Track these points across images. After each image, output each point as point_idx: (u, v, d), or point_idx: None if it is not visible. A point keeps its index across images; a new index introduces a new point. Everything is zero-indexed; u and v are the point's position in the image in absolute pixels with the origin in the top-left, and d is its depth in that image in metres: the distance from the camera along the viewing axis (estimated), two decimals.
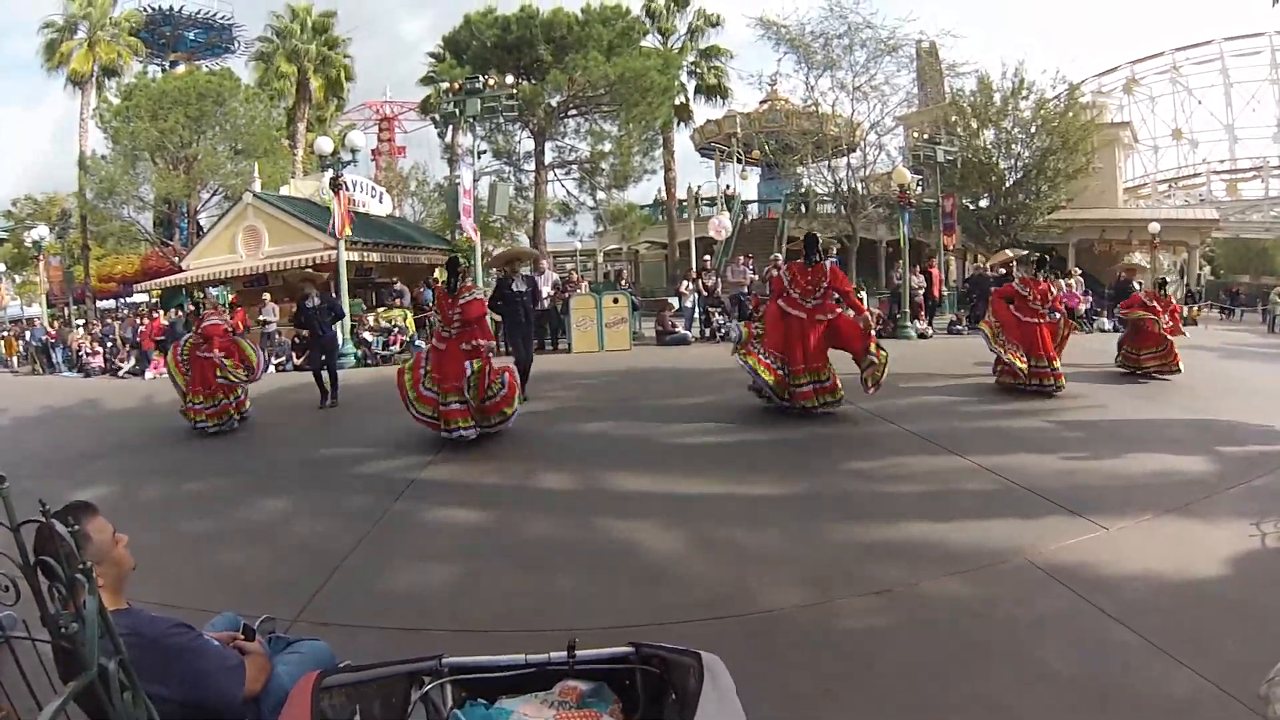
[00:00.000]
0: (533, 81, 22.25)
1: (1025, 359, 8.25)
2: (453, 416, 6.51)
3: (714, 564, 3.93)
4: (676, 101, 26.82)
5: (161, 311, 17.74)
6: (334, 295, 10.17)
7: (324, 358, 9.45)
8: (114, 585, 1.85)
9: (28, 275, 30.05)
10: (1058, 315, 8.71)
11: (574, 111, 23.99)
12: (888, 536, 4.20)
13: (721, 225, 20.74)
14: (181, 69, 27.63)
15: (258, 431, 8.29)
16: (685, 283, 17.01)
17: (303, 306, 9.42)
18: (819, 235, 7.55)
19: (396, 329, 15.25)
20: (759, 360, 7.24)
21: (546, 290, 14.65)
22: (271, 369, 13.97)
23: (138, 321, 17.84)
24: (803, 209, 25.64)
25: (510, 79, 19.03)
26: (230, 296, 16.98)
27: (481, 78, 17.07)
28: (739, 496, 5.06)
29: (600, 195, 25.06)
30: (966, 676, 2.78)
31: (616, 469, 5.80)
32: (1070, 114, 23.47)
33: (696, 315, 16.19)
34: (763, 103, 28.96)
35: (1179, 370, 9.39)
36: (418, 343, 14.85)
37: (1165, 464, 5.46)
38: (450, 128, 23.84)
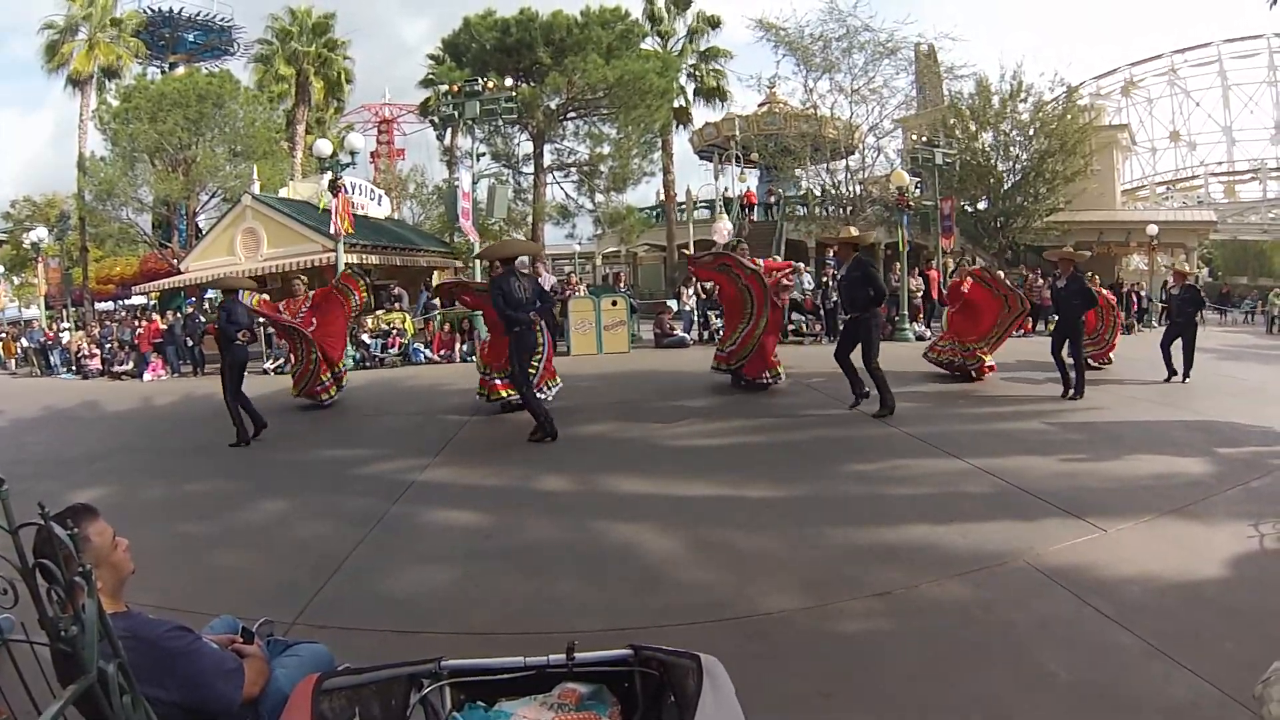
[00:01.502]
0: (532, 84, 22.29)
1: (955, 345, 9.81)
2: (495, 389, 8.16)
3: (713, 566, 3.93)
4: (675, 104, 26.87)
5: (159, 315, 17.70)
6: (238, 303, 7.99)
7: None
8: (113, 589, 1.84)
9: (26, 277, 30.01)
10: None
11: (573, 114, 24.02)
12: (887, 539, 4.20)
13: (724, 229, 20.78)
14: (181, 71, 27.61)
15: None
16: (686, 289, 17.00)
17: None
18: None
19: (394, 331, 15.24)
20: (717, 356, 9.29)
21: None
22: (270, 371, 14.00)
23: (135, 324, 17.83)
24: (800, 210, 25.68)
25: (509, 81, 19.09)
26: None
27: (480, 80, 17.08)
28: (737, 499, 5.06)
29: (599, 198, 25.11)
30: (966, 678, 2.78)
31: (615, 471, 5.80)
32: (1068, 116, 23.51)
33: (695, 318, 16.19)
34: (761, 105, 29.01)
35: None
36: (415, 346, 14.85)
37: (1164, 466, 5.46)
38: (449, 130, 23.90)
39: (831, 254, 8.54)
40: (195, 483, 6.22)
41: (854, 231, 8.56)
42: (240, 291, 8.32)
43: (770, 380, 8.96)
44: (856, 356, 7.68)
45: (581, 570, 3.96)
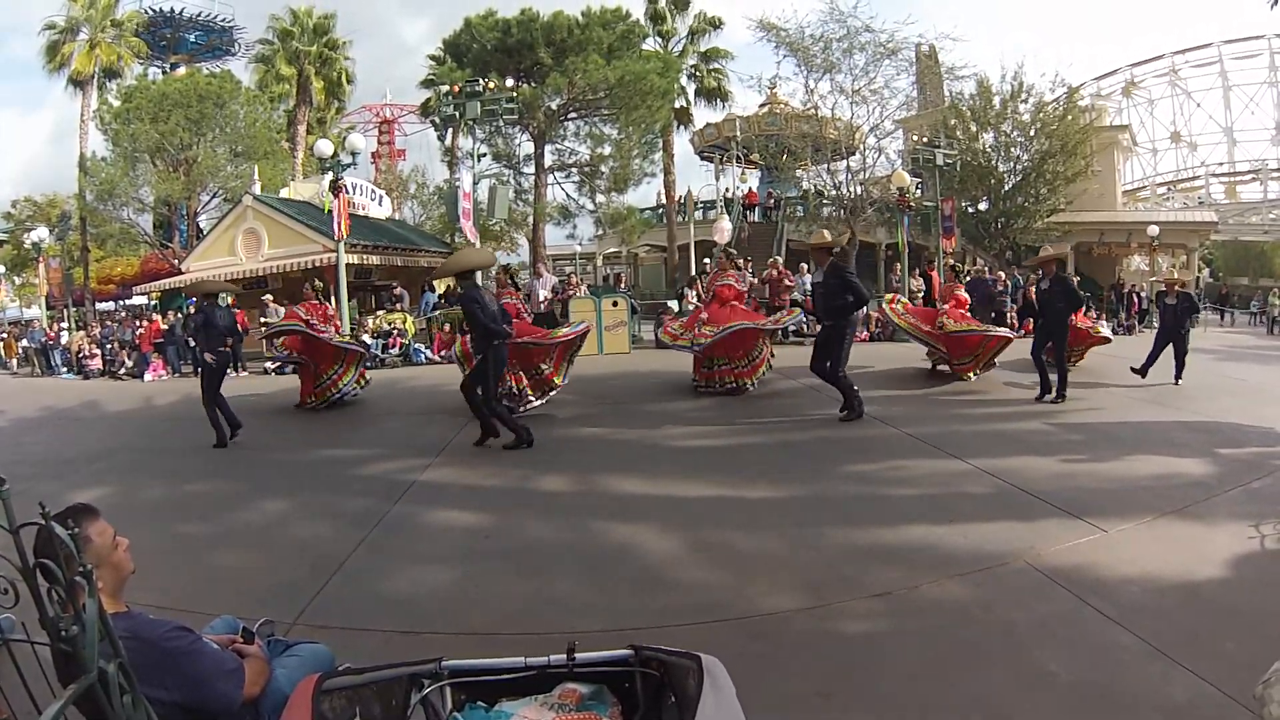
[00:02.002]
0: (532, 84, 22.28)
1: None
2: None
3: (712, 567, 3.93)
4: (676, 105, 26.85)
5: (159, 315, 17.71)
6: (218, 306, 8.11)
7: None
8: (113, 589, 1.85)
9: (27, 277, 30.02)
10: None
11: (574, 114, 24.01)
12: (887, 540, 4.20)
13: (724, 228, 20.76)
14: (182, 71, 27.58)
15: (257, 433, 8.28)
16: (690, 290, 16.98)
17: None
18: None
19: (395, 332, 15.25)
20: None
21: (544, 294, 14.67)
22: (270, 372, 14.00)
23: (135, 324, 17.84)
24: (800, 211, 25.69)
25: (510, 82, 19.06)
26: (229, 299, 16.94)
27: (481, 81, 17.10)
28: (737, 500, 5.06)
29: (600, 198, 25.11)
30: (965, 679, 2.78)
31: (615, 472, 5.80)
32: (1069, 117, 23.50)
33: None
34: (762, 106, 28.99)
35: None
36: (416, 346, 14.86)
37: (1164, 466, 5.46)
38: (450, 130, 23.92)
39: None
40: (195, 483, 6.22)
41: (827, 236, 8.24)
42: (220, 295, 8.26)
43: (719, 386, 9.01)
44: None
45: (582, 570, 3.97)
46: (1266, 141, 41.22)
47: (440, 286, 20.61)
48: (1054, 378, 8.27)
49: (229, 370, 8.25)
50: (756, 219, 28.85)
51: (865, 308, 8.71)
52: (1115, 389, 9.13)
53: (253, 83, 27.86)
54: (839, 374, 7.39)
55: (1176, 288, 10.23)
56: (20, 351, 19.78)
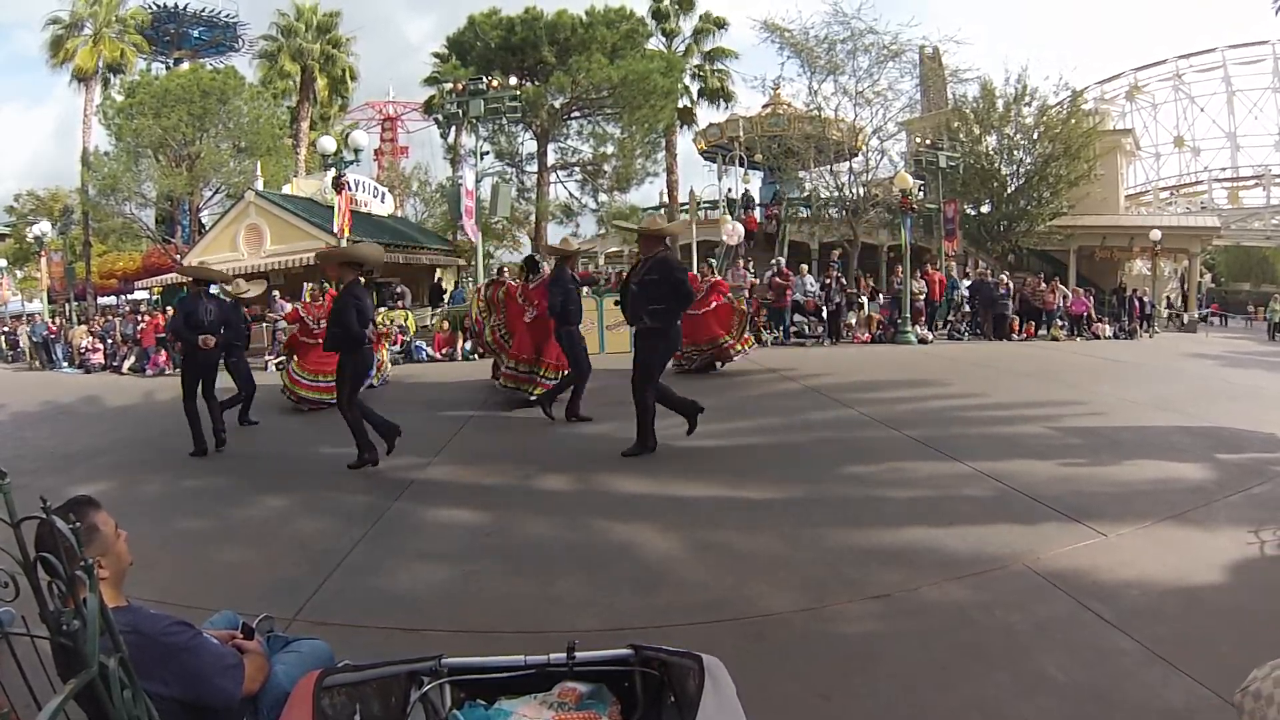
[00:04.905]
0: (536, 83, 22.32)
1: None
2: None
3: (712, 567, 3.93)
4: (680, 104, 26.86)
5: (161, 310, 17.74)
6: (208, 298, 7.15)
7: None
8: (115, 580, 1.85)
9: (29, 271, 30.06)
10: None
11: (577, 113, 24.05)
12: (886, 541, 4.20)
13: (735, 230, 20.73)
14: (185, 66, 27.61)
15: (258, 429, 8.29)
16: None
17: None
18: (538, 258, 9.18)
19: (398, 329, 15.26)
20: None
21: None
22: (271, 368, 13.99)
23: (136, 318, 17.87)
24: (804, 213, 25.69)
25: (514, 80, 19.08)
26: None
27: (485, 79, 17.10)
28: (737, 500, 5.06)
29: (602, 197, 25.13)
30: (964, 682, 2.78)
31: (615, 471, 5.80)
32: (1072, 120, 23.51)
33: None
34: (765, 107, 28.98)
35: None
36: (417, 343, 14.86)
37: (1165, 471, 5.45)
38: (453, 128, 23.93)
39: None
40: (196, 478, 6.23)
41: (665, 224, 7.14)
42: (211, 284, 7.52)
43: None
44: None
45: (582, 569, 3.97)
46: (1269, 147, 41.12)
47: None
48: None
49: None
50: (759, 219, 28.77)
51: None
52: (1116, 391, 9.12)
53: (256, 79, 27.88)
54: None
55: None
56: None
